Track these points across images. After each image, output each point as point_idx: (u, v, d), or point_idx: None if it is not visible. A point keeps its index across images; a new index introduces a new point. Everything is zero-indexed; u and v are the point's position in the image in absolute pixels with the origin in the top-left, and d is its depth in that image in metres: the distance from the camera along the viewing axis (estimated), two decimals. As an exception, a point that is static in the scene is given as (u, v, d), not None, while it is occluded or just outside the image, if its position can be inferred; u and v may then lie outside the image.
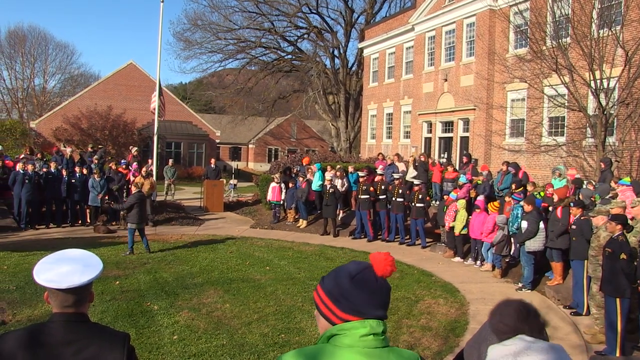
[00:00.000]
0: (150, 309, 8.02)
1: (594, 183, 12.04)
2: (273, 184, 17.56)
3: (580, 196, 10.94)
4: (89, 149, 20.31)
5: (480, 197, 12.58)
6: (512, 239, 11.08)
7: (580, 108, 14.51)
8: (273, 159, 46.38)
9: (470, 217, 12.34)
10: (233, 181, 25.91)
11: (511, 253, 11.21)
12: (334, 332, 1.63)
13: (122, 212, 13.84)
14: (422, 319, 8.03)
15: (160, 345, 6.54)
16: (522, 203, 10.56)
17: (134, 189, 12.56)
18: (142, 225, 12.36)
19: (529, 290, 10.06)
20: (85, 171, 16.11)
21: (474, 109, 20.31)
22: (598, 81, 13.62)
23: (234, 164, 38.30)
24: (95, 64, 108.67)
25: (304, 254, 12.88)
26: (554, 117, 17.46)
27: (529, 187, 12.30)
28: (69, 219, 15.88)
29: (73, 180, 15.71)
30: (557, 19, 15.39)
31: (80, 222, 15.99)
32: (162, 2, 20.72)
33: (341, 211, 16.78)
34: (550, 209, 10.80)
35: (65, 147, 19.53)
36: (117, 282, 9.49)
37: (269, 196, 17.76)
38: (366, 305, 1.64)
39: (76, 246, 2.96)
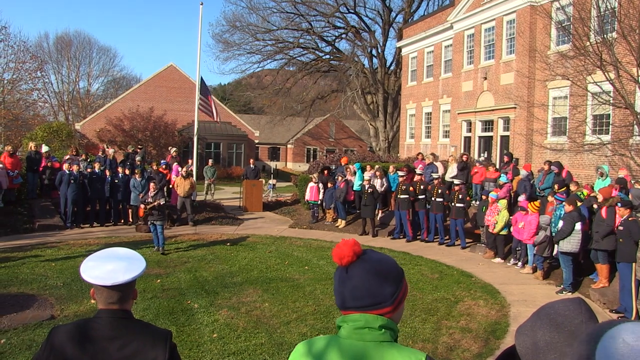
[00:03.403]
0: (190, 307, 8.15)
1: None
2: (311, 184, 17.60)
3: (630, 196, 10.60)
4: (129, 150, 20.72)
5: (522, 197, 12.32)
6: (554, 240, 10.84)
7: (626, 105, 14.08)
8: (312, 159, 46.47)
9: (511, 217, 12.12)
10: (272, 181, 26.05)
11: (553, 254, 10.95)
12: (338, 322, 1.67)
13: (143, 206, 13.10)
14: (462, 321, 7.93)
15: (201, 343, 6.64)
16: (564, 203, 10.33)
17: (152, 188, 12.82)
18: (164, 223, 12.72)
19: (570, 293, 9.80)
20: (127, 171, 16.50)
21: (515, 108, 19.93)
22: (646, 77, 13.19)
23: (272, 164, 38.61)
24: (136, 66, 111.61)
25: (342, 253, 12.83)
26: (598, 114, 16.95)
27: (572, 187, 11.99)
28: (112, 218, 16.30)
29: (116, 181, 16.11)
30: (601, 13, 14.92)
31: (122, 221, 16.38)
32: (202, 4, 21.12)
33: (380, 211, 16.70)
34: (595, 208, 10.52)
35: (107, 147, 19.97)
36: (159, 281, 9.68)
37: (307, 196, 17.81)
38: (337, 298, 1.68)
39: (118, 245, 3.02)
